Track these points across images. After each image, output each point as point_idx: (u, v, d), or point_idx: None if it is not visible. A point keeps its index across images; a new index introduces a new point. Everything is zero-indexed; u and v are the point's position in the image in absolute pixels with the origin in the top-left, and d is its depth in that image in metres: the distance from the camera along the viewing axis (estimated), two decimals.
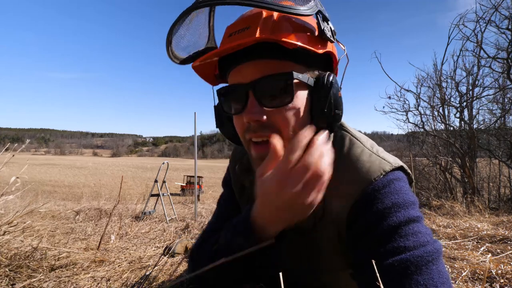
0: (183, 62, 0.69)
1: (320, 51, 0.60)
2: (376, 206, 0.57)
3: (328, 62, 0.67)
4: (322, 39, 0.61)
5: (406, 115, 7.39)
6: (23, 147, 1.87)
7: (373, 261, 0.49)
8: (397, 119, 10.10)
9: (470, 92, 6.62)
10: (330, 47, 0.64)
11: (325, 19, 0.61)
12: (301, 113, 0.60)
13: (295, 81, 0.58)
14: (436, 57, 13.53)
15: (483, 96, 6.42)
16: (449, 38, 6.46)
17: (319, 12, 0.58)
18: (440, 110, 7.16)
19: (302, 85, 0.60)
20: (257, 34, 0.56)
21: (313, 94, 0.62)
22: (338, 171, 0.61)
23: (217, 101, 0.74)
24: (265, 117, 0.58)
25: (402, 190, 0.60)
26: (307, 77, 0.61)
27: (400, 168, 0.65)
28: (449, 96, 7.03)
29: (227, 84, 0.66)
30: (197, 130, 5.11)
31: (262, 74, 0.58)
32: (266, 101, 0.59)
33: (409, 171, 0.68)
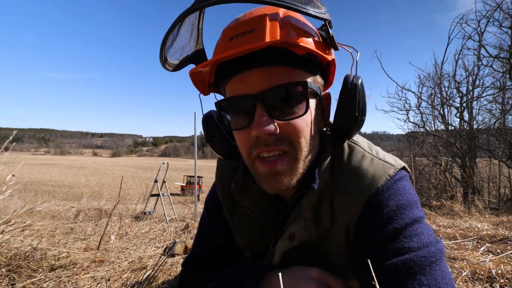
0: (175, 68, 0.64)
1: (329, 58, 0.58)
2: (382, 210, 0.56)
3: (327, 69, 0.65)
4: (328, 45, 0.58)
5: (407, 114, 7.40)
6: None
7: (371, 261, 0.49)
8: (398, 119, 10.06)
9: (471, 93, 6.63)
10: (332, 53, 0.62)
11: (331, 25, 0.57)
12: (312, 123, 0.59)
13: (308, 90, 0.55)
14: (436, 57, 13.55)
15: (483, 97, 6.43)
16: (449, 38, 6.46)
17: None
18: (441, 110, 7.17)
19: (312, 94, 0.58)
20: (268, 38, 0.51)
21: (342, 99, 0.58)
22: (343, 180, 0.61)
23: (205, 112, 0.70)
24: (278, 130, 0.54)
25: (405, 189, 0.59)
26: (316, 85, 0.58)
27: (402, 168, 0.64)
28: (449, 96, 7.04)
29: (226, 96, 0.61)
30: (197, 130, 5.11)
31: (271, 83, 0.53)
32: (278, 113, 0.55)
33: (408, 169, 0.67)
